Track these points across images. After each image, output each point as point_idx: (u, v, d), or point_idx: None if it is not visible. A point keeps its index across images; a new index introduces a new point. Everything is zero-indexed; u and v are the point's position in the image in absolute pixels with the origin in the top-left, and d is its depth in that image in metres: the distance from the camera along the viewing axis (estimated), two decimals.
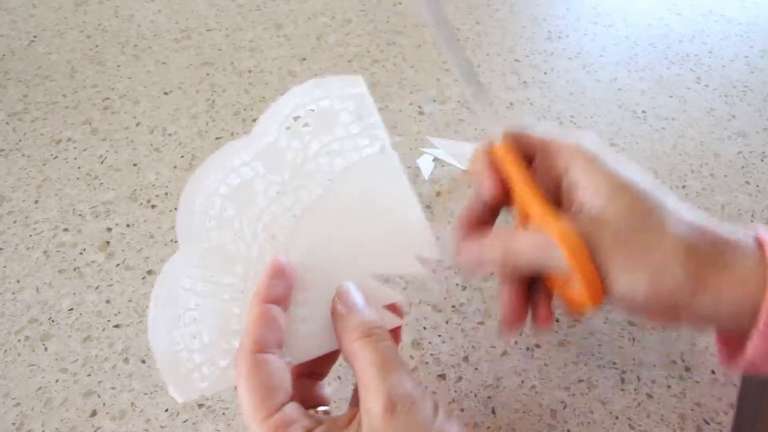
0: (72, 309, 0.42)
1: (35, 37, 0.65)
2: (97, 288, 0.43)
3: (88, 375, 0.39)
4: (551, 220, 0.28)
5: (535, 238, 0.28)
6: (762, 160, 0.52)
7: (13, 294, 0.43)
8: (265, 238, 0.30)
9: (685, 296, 0.26)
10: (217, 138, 0.53)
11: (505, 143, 0.30)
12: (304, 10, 0.67)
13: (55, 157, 0.52)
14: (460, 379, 0.39)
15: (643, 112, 0.56)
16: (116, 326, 0.41)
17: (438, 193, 0.49)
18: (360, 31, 0.64)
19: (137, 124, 0.55)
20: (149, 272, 0.44)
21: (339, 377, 0.38)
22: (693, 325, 0.28)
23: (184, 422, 0.37)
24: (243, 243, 0.30)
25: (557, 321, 0.41)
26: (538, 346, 0.40)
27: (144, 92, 0.58)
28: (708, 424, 0.36)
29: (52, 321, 0.42)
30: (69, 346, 0.40)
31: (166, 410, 0.37)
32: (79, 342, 0.41)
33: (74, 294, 0.43)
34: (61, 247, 0.46)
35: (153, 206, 0.48)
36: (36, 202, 0.49)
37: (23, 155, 0.53)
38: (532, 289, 0.32)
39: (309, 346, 0.30)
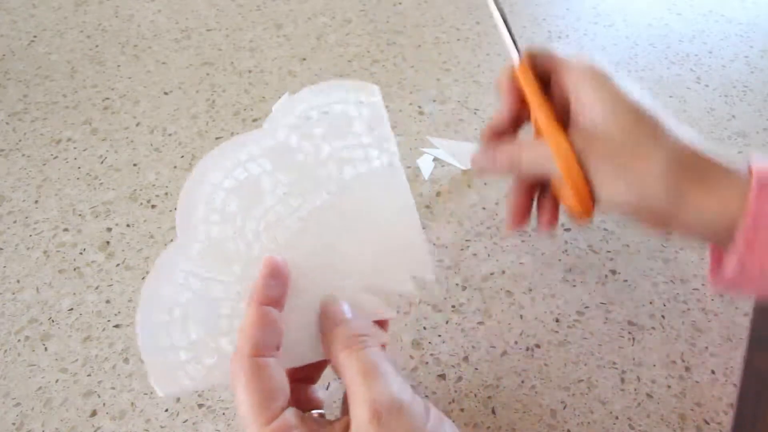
0: (72, 309, 0.42)
1: (35, 37, 0.65)
2: (97, 288, 0.43)
3: (88, 375, 0.39)
4: (552, 132, 0.31)
5: (538, 148, 0.32)
6: None
7: (13, 294, 0.43)
8: (267, 238, 0.30)
9: (667, 207, 0.29)
10: (217, 138, 0.53)
11: (523, 64, 0.34)
12: (304, 10, 0.67)
13: (55, 157, 0.52)
14: (460, 379, 0.39)
15: None
16: (116, 326, 0.41)
17: (438, 193, 0.49)
18: (360, 31, 0.64)
19: (137, 124, 0.55)
20: (149, 272, 0.44)
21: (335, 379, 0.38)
22: (684, 236, 0.31)
23: (184, 422, 0.37)
24: (243, 241, 0.30)
25: (557, 321, 0.41)
26: (538, 346, 0.40)
27: (144, 92, 0.58)
28: (708, 424, 0.36)
29: (52, 321, 0.42)
30: (69, 346, 0.40)
31: (166, 410, 0.37)
32: (79, 342, 0.41)
33: (74, 294, 0.43)
34: (61, 247, 0.46)
35: (153, 206, 0.48)
36: (36, 202, 0.49)
37: (23, 155, 0.53)
38: (541, 195, 0.36)
39: (299, 352, 0.29)
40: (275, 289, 0.28)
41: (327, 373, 0.33)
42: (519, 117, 0.36)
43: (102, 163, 0.52)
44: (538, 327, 0.41)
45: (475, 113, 0.55)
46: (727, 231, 0.28)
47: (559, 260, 0.44)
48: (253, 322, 0.26)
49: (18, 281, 0.44)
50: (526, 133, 0.36)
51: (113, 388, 0.38)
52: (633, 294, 0.42)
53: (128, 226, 0.47)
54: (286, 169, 0.31)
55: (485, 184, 0.49)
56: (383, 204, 0.32)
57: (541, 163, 0.32)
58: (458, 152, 0.51)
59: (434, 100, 0.56)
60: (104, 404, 0.38)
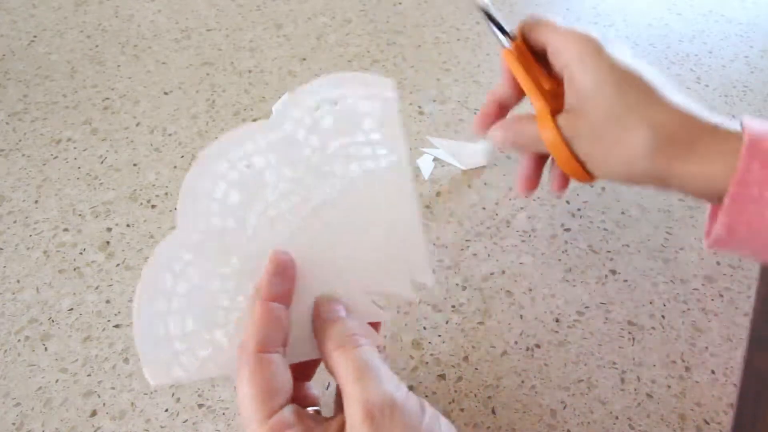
0: (72, 309, 0.42)
1: (35, 37, 0.65)
2: (97, 288, 0.43)
3: (88, 375, 0.39)
4: (540, 119, 0.33)
5: (531, 131, 0.33)
6: None
7: (13, 294, 0.43)
8: (267, 233, 0.29)
9: (657, 179, 0.30)
10: (217, 138, 0.53)
11: (508, 50, 0.35)
12: (304, 10, 0.67)
13: (55, 157, 0.52)
14: (460, 379, 0.39)
15: None
16: (116, 326, 0.41)
17: (438, 193, 0.49)
18: (360, 31, 0.64)
19: (137, 124, 0.55)
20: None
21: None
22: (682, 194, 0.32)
23: (184, 422, 0.37)
24: (244, 235, 0.29)
25: (557, 321, 0.41)
26: (538, 346, 0.40)
27: (144, 92, 0.58)
28: (708, 424, 0.36)
29: (52, 321, 0.42)
30: (69, 346, 0.40)
31: (166, 410, 0.37)
32: (79, 342, 0.41)
33: (74, 294, 0.43)
34: (61, 247, 0.46)
35: (153, 206, 0.48)
36: (36, 202, 0.49)
37: (23, 155, 0.53)
38: (552, 162, 0.38)
39: (297, 349, 0.29)
40: (281, 285, 0.28)
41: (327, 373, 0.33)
42: (519, 92, 0.37)
43: (102, 163, 0.52)
44: (538, 327, 0.41)
45: (475, 113, 0.55)
46: (719, 192, 0.28)
47: (559, 260, 0.44)
48: (259, 318, 0.26)
49: (18, 281, 0.44)
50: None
51: (113, 388, 0.38)
52: (633, 294, 0.42)
53: (128, 226, 0.47)
54: (290, 164, 0.30)
55: (485, 184, 0.49)
56: (387, 204, 0.31)
57: (535, 144, 0.33)
58: (458, 152, 0.51)
59: (434, 100, 0.56)
60: (104, 404, 0.38)
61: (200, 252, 0.29)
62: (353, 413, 0.24)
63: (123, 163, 0.52)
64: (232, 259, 0.29)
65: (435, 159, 0.51)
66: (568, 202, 0.48)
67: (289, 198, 0.30)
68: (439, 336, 0.40)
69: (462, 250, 0.45)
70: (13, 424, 0.37)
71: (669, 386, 0.38)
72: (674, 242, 0.45)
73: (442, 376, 0.39)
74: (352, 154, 0.31)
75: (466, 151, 0.51)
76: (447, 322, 0.41)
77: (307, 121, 0.31)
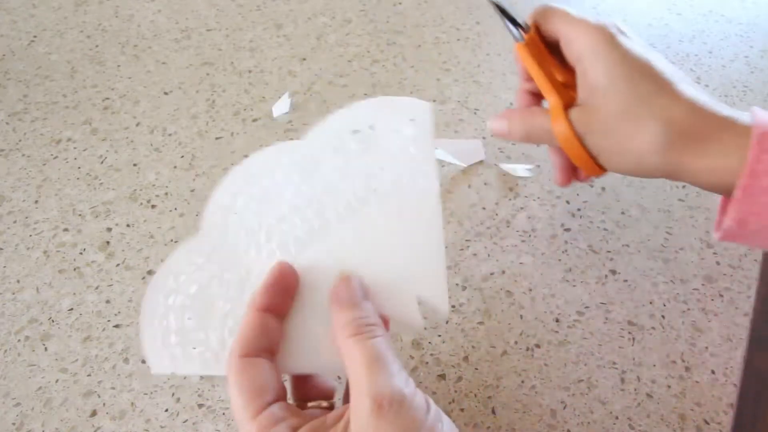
0: (72, 309, 0.42)
1: (35, 37, 0.65)
2: (97, 288, 0.43)
3: (88, 375, 0.39)
4: (555, 112, 0.33)
5: (544, 125, 0.33)
6: None
7: (13, 294, 0.43)
8: (278, 245, 0.30)
9: (668, 173, 0.30)
10: (217, 138, 0.53)
11: (528, 36, 0.35)
12: (304, 10, 0.67)
13: (55, 157, 0.52)
14: (460, 379, 0.39)
15: None
16: (116, 326, 0.41)
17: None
18: (360, 31, 0.64)
19: (137, 124, 0.55)
20: (149, 272, 0.44)
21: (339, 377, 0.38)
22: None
23: (184, 422, 0.37)
24: (255, 245, 0.30)
25: (557, 321, 0.41)
26: (538, 346, 0.40)
27: (144, 92, 0.58)
28: (708, 424, 0.36)
29: (52, 321, 0.42)
30: (69, 346, 0.40)
31: (166, 410, 0.37)
32: (79, 342, 0.41)
33: (74, 294, 0.43)
34: (61, 247, 0.46)
35: (153, 206, 0.48)
36: (36, 202, 0.49)
37: (23, 155, 0.53)
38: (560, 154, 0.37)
39: (299, 361, 0.29)
40: (275, 296, 0.28)
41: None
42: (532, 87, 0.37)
43: (102, 163, 0.52)
44: (538, 327, 0.41)
45: (475, 113, 0.55)
46: (730, 186, 0.28)
47: (559, 260, 0.44)
48: (246, 326, 0.27)
49: (18, 281, 0.44)
50: None
51: (113, 388, 0.38)
52: (633, 294, 0.42)
53: (128, 226, 0.47)
54: (311, 182, 0.30)
55: (485, 184, 0.49)
56: (410, 229, 0.30)
57: (548, 138, 0.34)
58: (458, 152, 0.51)
59: (434, 100, 0.56)
60: (104, 404, 0.38)
61: (211, 258, 0.30)
62: (361, 403, 0.24)
63: (123, 163, 0.52)
64: (241, 269, 0.30)
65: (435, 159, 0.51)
66: (568, 202, 0.48)
67: (303, 212, 0.30)
68: (439, 336, 0.40)
69: (462, 250, 0.45)
70: (13, 424, 0.37)
71: (669, 386, 0.38)
72: (674, 242, 0.45)
73: (442, 376, 0.39)
74: (374, 173, 0.30)
75: (466, 151, 0.51)
76: (447, 322, 0.41)
77: (336, 143, 0.30)
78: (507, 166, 0.50)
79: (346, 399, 0.29)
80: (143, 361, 0.39)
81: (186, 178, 0.50)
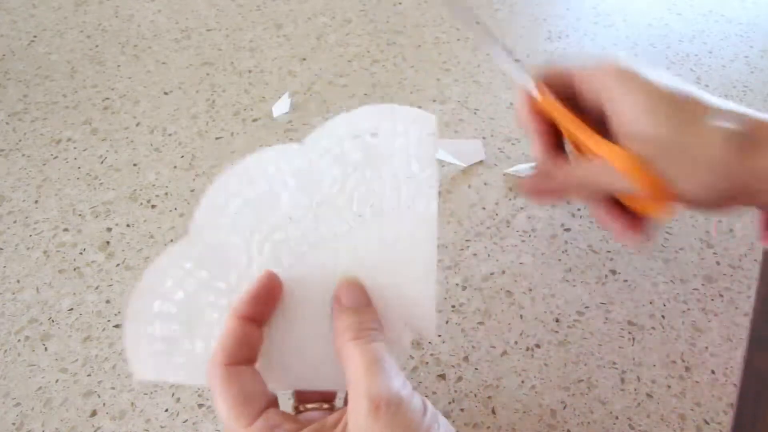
0: (72, 309, 0.42)
1: (35, 37, 0.65)
2: (97, 288, 0.43)
3: (88, 375, 0.39)
4: (605, 147, 0.30)
5: (597, 167, 0.30)
6: None
7: (13, 294, 0.43)
8: (269, 257, 0.29)
9: (741, 186, 0.28)
10: (217, 138, 0.53)
11: (541, 90, 0.32)
12: (304, 10, 0.67)
13: (55, 157, 0.52)
14: (460, 379, 0.39)
15: None
16: (116, 326, 0.41)
17: (438, 193, 0.49)
18: (360, 31, 0.64)
19: (137, 124, 0.55)
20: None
21: None
22: (745, 207, 0.30)
23: (184, 422, 0.37)
24: (246, 254, 0.29)
25: (557, 321, 0.41)
26: (538, 346, 0.40)
27: (144, 92, 0.58)
28: (708, 424, 0.36)
29: (52, 321, 0.42)
30: (69, 346, 0.40)
31: (166, 410, 0.37)
32: (79, 342, 0.41)
33: (74, 294, 0.43)
34: (61, 247, 0.46)
35: (153, 206, 0.48)
36: (36, 202, 0.49)
37: (23, 155, 0.53)
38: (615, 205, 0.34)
39: (292, 377, 0.29)
40: (257, 305, 0.28)
41: None
42: (557, 141, 0.34)
43: (102, 163, 0.52)
44: (538, 327, 0.41)
45: (475, 113, 0.55)
46: None
47: (559, 260, 0.44)
48: (227, 334, 0.27)
49: (18, 281, 0.44)
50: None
51: (113, 388, 0.38)
52: (633, 294, 0.42)
53: (128, 226, 0.47)
54: (309, 192, 0.29)
55: (485, 184, 0.49)
56: (402, 249, 0.29)
57: (607, 181, 0.30)
58: (458, 152, 0.51)
59: (434, 100, 0.56)
60: (104, 404, 0.38)
61: (201, 263, 0.29)
62: (359, 405, 0.24)
63: (123, 163, 0.52)
64: (231, 276, 0.29)
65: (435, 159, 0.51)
66: (568, 202, 0.48)
67: (298, 225, 0.29)
68: (439, 336, 0.40)
69: (462, 250, 0.45)
70: (13, 424, 0.37)
71: (669, 386, 0.38)
72: (674, 242, 0.45)
73: (442, 376, 0.39)
74: (374, 190, 0.29)
75: (466, 151, 0.51)
76: (447, 322, 0.41)
77: (336, 151, 0.29)
78: (511, 169, 0.50)
79: (346, 402, 0.29)
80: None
81: (186, 178, 0.50)
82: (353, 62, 0.60)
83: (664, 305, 0.42)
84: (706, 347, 0.40)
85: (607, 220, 0.33)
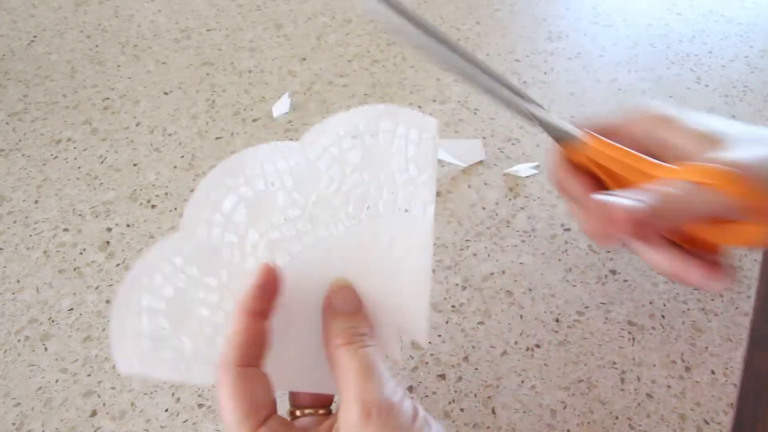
0: (72, 309, 0.42)
1: (35, 37, 0.65)
2: (97, 288, 0.43)
3: (88, 375, 0.39)
4: (692, 169, 0.26)
5: (683, 187, 0.26)
6: None
7: (13, 294, 0.43)
8: (263, 255, 0.29)
9: None
10: (217, 138, 0.53)
11: (589, 134, 0.30)
12: (304, 10, 0.67)
13: (55, 157, 0.52)
14: (460, 379, 0.39)
15: None
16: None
17: (438, 193, 0.49)
18: (360, 31, 0.64)
19: (137, 124, 0.55)
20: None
21: None
22: None
23: (184, 422, 0.37)
24: (240, 252, 0.29)
25: (557, 321, 0.41)
26: (538, 346, 0.40)
27: (144, 92, 0.58)
28: (708, 424, 0.36)
29: (52, 321, 0.42)
30: (69, 346, 0.40)
31: (166, 410, 0.37)
32: (79, 342, 0.41)
33: (74, 294, 0.43)
34: (61, 247, 0.46)
35: (153, 206, 0.48)
36: (36, 202, 0.49)
37: (23, 155, 0.53)
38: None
39: (289, 379, 0.29)
40: (265, 299, 0.27)
41: None
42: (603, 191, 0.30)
43: (102, 163, 0.52)
44: (538, 327, 0.41)
45: (475, 113, 0.55)
46: None
47: (559, 260, 0.44)
48: (237, 332, 0.26)
49: (18, 281, 0.44)
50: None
51: (113, 388, 0.38)
52: (633, 294, 0.42)
53: (128, 226, 0.47)
54: (305, 191, 0.29)
55: (485, 184, 0.49)
56: (396, 255, 0.29)
57: (696, 203, 0.26)
58: (458, 152, 0.51)
59: (434, 100, 0.56)
60: (104, 404, 0.38)
61: (192, 259, 0.28)
62: (350, 411, 0.24)
63: (123, 163, 0.52)
64: (222, 273, 0.29)
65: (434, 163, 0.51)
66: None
67: (294, 224, 0.29)
68: (439, 336, 0.40)
69: (462, 250, 0.45)
70: (13, 424, 0.37)
71: (669, 386, 0.38)
72: None
73: (442, 376, 0.39)
74: (371, 194, 0.29)
75: (465, 149, 0.51)
76: (447, 322, 0.41)
77: (334, 150, 0.29)
78: (511, 169, 0.50)
79: (339, 406, 0.29)
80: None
81: (186, 178, 0.50)
82: (353, 62, 0.60)
83: (664, 305, 0.42)
84: (706, 347, 0.40)
85: (682, 268, 0.29)
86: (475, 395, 0.38)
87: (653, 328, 0.41)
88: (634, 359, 0.39)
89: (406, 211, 0.29)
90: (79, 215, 0.48)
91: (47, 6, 0.68)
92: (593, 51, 0.62)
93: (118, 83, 0.59)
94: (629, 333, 0.40)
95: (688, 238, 0.30)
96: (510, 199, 0.48)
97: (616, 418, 0.37)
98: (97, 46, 0.63)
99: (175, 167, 0.51)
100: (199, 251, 0.29)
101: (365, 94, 0.57)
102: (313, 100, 0.57)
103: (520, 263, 0.44)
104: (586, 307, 0.42)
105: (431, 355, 0.40)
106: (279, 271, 0.28)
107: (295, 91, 0.57)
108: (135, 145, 0.53)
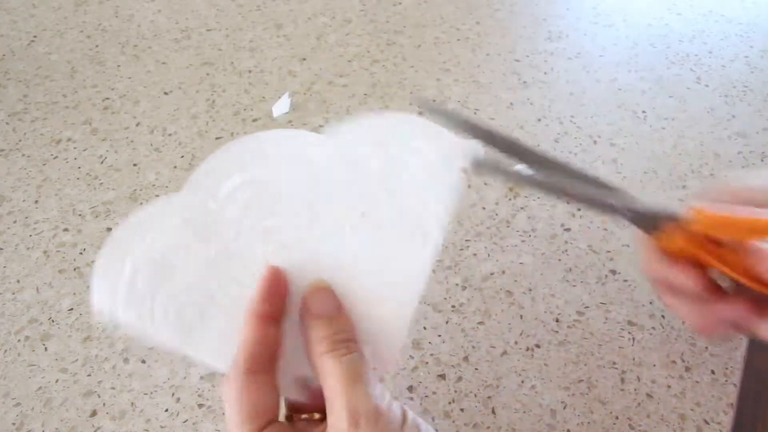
0: (72, 309, 0.42)
1: (35, 37, 0.65)
2: None
3: (88, 375, 0.39)
4: None
5: None
6: (762, 160, 0.52)
7: (13, 294, 0.43)
8: (256, 242, 0.28)
9: None
10: (217, 138, 0.53)
11: (701, 209, 0.26)
12: (304, 10, 0.67)
13: (55, 157, 0.52)
14: (460, 379, 0.39)
15: (644, 112, 0.56)
16: (116, 326, 0.41)
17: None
18: (360, 31, 0.64)
19: (137, 124, 0.55)
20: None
21: None
22: None
23: (184, 422, 0.37)
24: (236, 229, 0.28)
25: (557, 321, 0.41)
26: (538, 346, 0.40)
27: (144, 92, 0.58)
28: (708, 424, 0.36)
29: (52, 321, 0.42)
30: (69, 346, 0.40)
31: (166, 410, 0.37)
32: (79, 342, 0.41)
33: (74, 294, 0.43)
34: (61, 247, 0.46)
35: None
36: (36, 202, 0.49)
37: (23, 155, 0.53)
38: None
39: (284, 382, 0.28)
40: (273, 301, 0.27)
41: None
42: (709, 278, 0.27)
43: (102, 163, 0.52)
44: (538, 327, 0.41)
45: (475, 113, 0.55)
46: None
47: (559, 260, 0.44)
48: (249, 338, 0.26)
49: (18, 281, 0.44)
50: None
51: (113, 388, 0.38)
52: (633, 294, 0.42)
53: None
54: (313, 186, 0.28)
55: (485, 184, 0.49)
56: (388, 279, 0.28)
57: None
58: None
59: (434, 100, 0.56)
60: (104, 404, 0.38)
61: (188, 222, 0.28)
62: (339, 419, 0.24)
63: (123, 163, 0.52)
64: (210, 246, 0.28)
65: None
66: (568, 202, 0.48)
67: (294, 220, 0.28)
68: (439, 336, 0.40)
69: (462, 250, 0.45)
70: (13, 424, 0.37)
71: (669, 386, 0.38)
72: None
73: (442, 376, 0.39)
74: (380, 208, 0.28)
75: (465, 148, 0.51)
76: (447, 322, 0.41)
77: (357, 153, 0.28)
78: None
79: (326, 415, 0.29)
80: (143, 361, 0.39)
81: (186, 178, 0.50)
82: (353, 62, 0.60)
83: (664, 305, 0.42)
84: (706, 347, 0.40)
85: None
86: (475, 395, 0.38)
87: (653, 328, 0.41)
88: (634, 359, 0.39)
89: (411, 234, 0.28)
90: (79, 215, 0.48)
91: (47, 6, 0.68)
92: (593, 51, 0.62)
93: (118, 83, 0.59)
94: (629, 333, 0.40)
95: None
96: (510, 199, 0.48)
97: (616, 418, 0.37)
98: (97, 46, 0.63)
99: (175, 167, 0.51)
100: (197, 218, 0.28)
101: (365, 94, 0.57)
102: (313, 100, 0.57)
103: (520, 263, 0.44)
104: (586, 307, 0.42)
105: (431, 355, 0.40)
106: (282, 272, 0.28)
107: (295, 91, 0.57)
108: (135, 145, 0.53)
